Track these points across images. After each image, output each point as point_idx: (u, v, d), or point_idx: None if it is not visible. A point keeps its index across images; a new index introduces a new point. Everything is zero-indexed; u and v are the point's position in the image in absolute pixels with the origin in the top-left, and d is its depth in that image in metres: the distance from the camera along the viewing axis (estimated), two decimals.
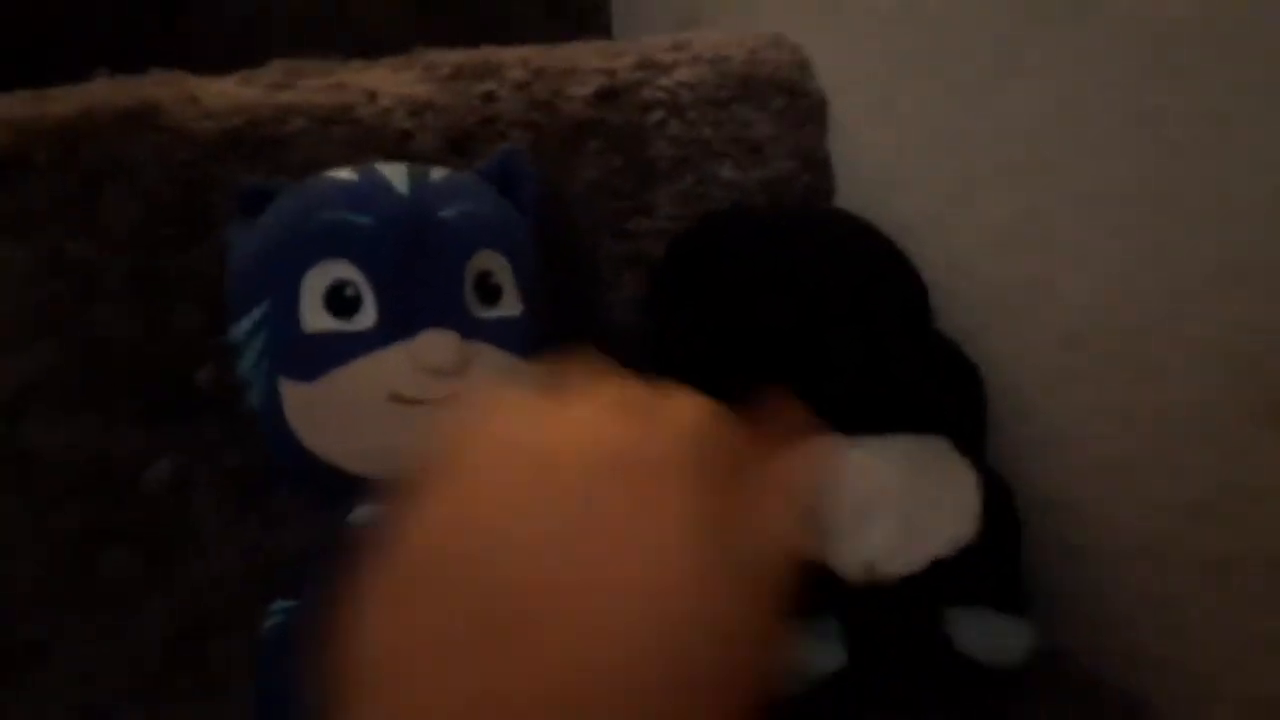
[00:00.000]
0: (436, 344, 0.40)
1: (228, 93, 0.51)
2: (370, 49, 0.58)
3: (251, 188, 0.45)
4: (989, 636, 0.42)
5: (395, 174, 0.44)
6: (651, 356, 0.55)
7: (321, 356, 0.41)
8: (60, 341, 0.48)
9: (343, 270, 0.41)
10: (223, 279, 0.50)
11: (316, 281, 0.41)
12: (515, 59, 0.56)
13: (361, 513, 0.41)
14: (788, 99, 0.60)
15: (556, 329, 0.48)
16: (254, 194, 0.45)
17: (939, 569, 0.42)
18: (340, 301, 0.41)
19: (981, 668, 0.42)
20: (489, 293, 0.44)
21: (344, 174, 0.45)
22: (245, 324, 0.43)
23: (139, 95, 0.49)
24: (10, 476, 0.49)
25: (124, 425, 0.50)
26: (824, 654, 0.41)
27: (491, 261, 0.44)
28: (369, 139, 0.52)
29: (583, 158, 0.56)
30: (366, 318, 0.41)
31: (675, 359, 0.53)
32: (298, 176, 0.51)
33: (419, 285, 0.41)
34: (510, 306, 0.44)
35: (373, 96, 0.53)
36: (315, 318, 0.41)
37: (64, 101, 0.48)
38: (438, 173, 0.46)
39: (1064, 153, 0.45)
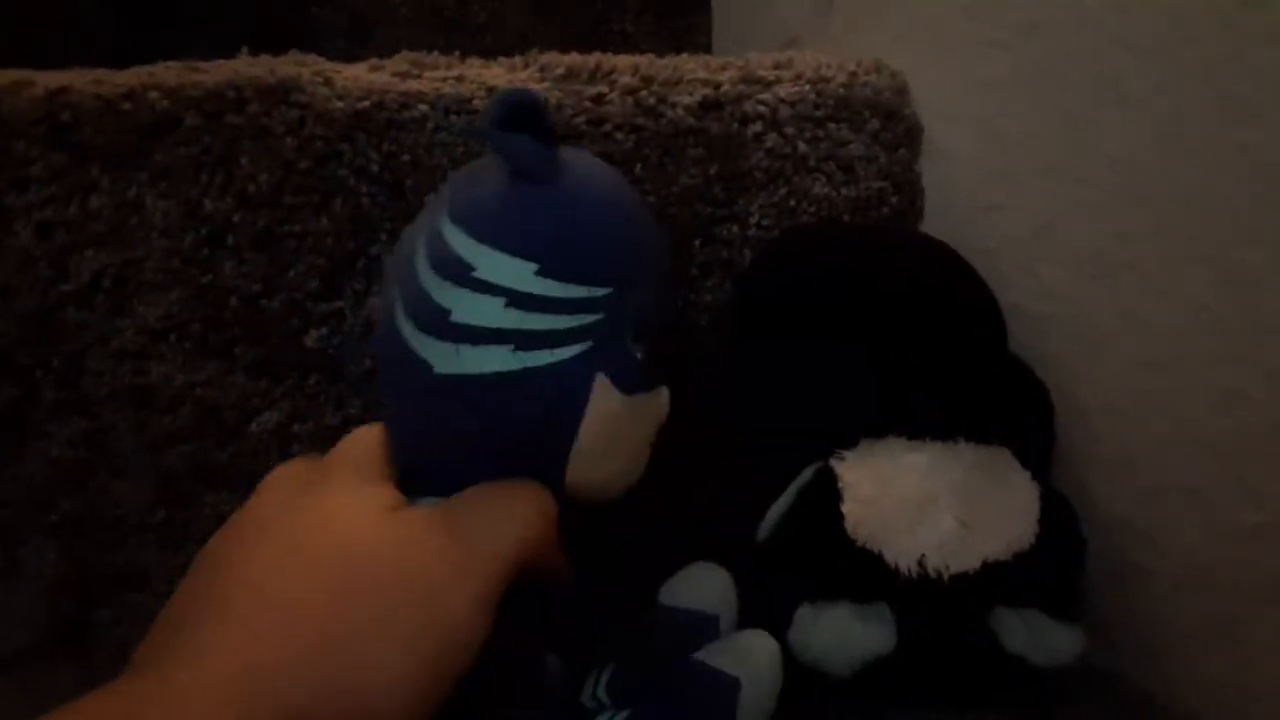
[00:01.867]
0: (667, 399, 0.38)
1: (359, 77, 0.55)
2: (484, 54, 0.61)
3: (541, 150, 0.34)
4: (1037, 637, 0.43)
5: None
6: (731, 360, 0.57)
7: (637, 374, 0.35)
8: (189, 290, 0.52)
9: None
10: (338, 247, 0.54)
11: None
12: (626, 65, 0.59)
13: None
14: (884, 121, 0.62)
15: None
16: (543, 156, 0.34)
17: (992, 570, 0.43)
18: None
19: (1029, 668, 0.43)
20: None
21: None
22: (558, 288, 0.33)
23: (280, 72, 0.53)
24: (132, 412, 0.53)
25: (238, 375, 0.54)
26: (874, 638, 0.43)
27: None
28: None
29: (682, 163, 0.59)
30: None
31: (756, 364, 0.55)
32: (417, 158, 0.54)
33: None
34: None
35: (491, 91, 0.57)
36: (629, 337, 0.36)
37: (213, 73, 0.53)
38: None
39: (1155, 182, 0.46)
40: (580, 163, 0.35)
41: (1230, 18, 0.42)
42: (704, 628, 0.45)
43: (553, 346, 0.32)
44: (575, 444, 0.34)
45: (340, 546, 0.29)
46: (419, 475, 0.34)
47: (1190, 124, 0.44)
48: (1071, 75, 0.51)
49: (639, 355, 0.35)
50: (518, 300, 0.32)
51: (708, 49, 0.95)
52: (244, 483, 0.56)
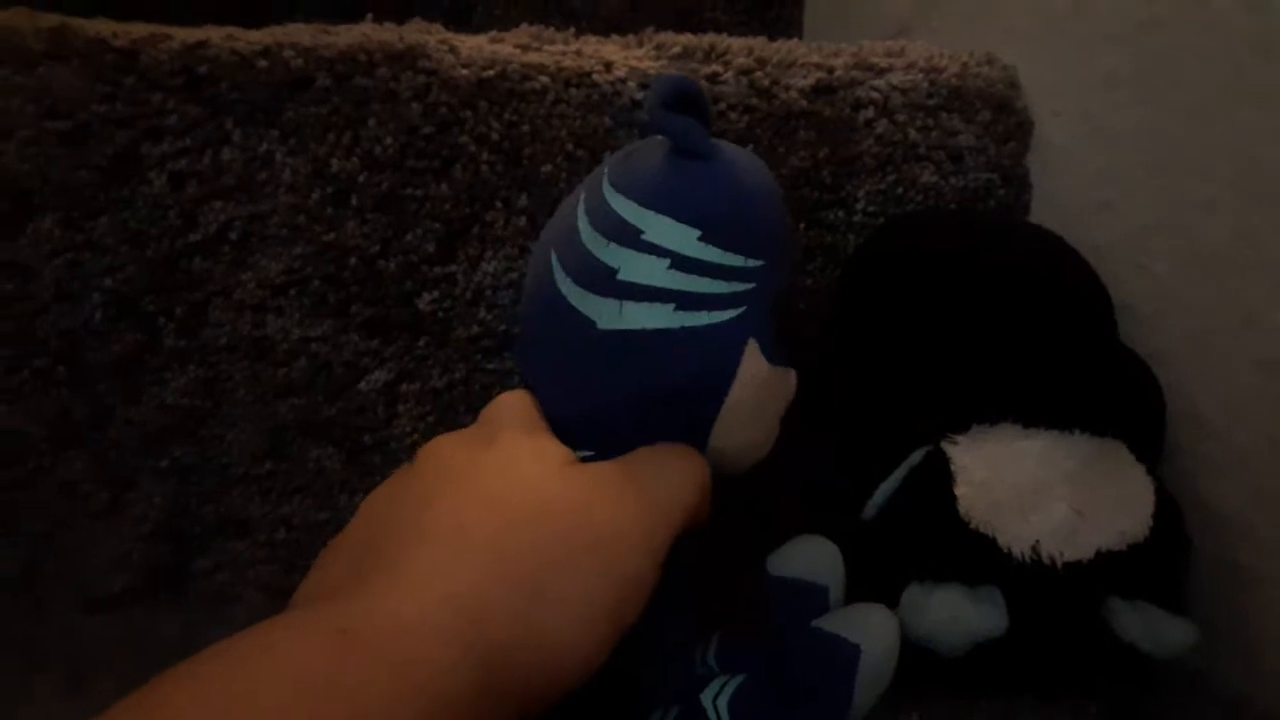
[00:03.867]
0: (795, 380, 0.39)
1: (482, 47, 0.56)
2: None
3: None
4: (1149, 627, 0.43)
5: None
6: (837, 345, 0.58)
7: (778, 346, 0.37)
8: (312, 247, 0.53)
9: None
10: (455, 213, 0.55)
11: None
12: (741, 46, 0.60)
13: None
14: (994, 113, 0.62)
15: None
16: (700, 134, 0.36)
17: (1105, 560, 0.43)
18: None
19: (1140, 658, 0.43)
20: None
21: None
22: (718, 254, 0.35)
23: (408, 38, 0.54)
24: (247, 363, 0.55)
25: (351, 333, 0.55)
26: (987, 619, 0.43)
27: None
28: (602, 104, 0.56)
29: (793, 145, 0.59)
30: None
31: (864, 349, 0.55)
32: (536, 129, 0.55)
33: None
34: None
35: (609, 66, 0.57)
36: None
37: (345, 35, 0.54)
38: None
39: (1276, 179, 0.46)
40: (729, 146, 0.38)
41: None
42: (814, 598, 0.46)
43: (710, 309, 0.34)
44: (724, 406, 0.35)
45: (527, 494, 0.30)
46: (570, 432, 0.35)
47: None
48: (1194, 72, 0.51)
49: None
50: (681, 263, 0.34)
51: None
52: (348, 439, 0.57)
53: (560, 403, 0.36)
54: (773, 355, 0.36)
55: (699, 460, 0.34)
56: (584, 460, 0.33)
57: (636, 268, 0.34)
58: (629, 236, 0.34)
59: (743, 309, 0.35)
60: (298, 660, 0.23)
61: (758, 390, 0.36)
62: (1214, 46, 0.50)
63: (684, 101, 0.35)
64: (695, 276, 0.34)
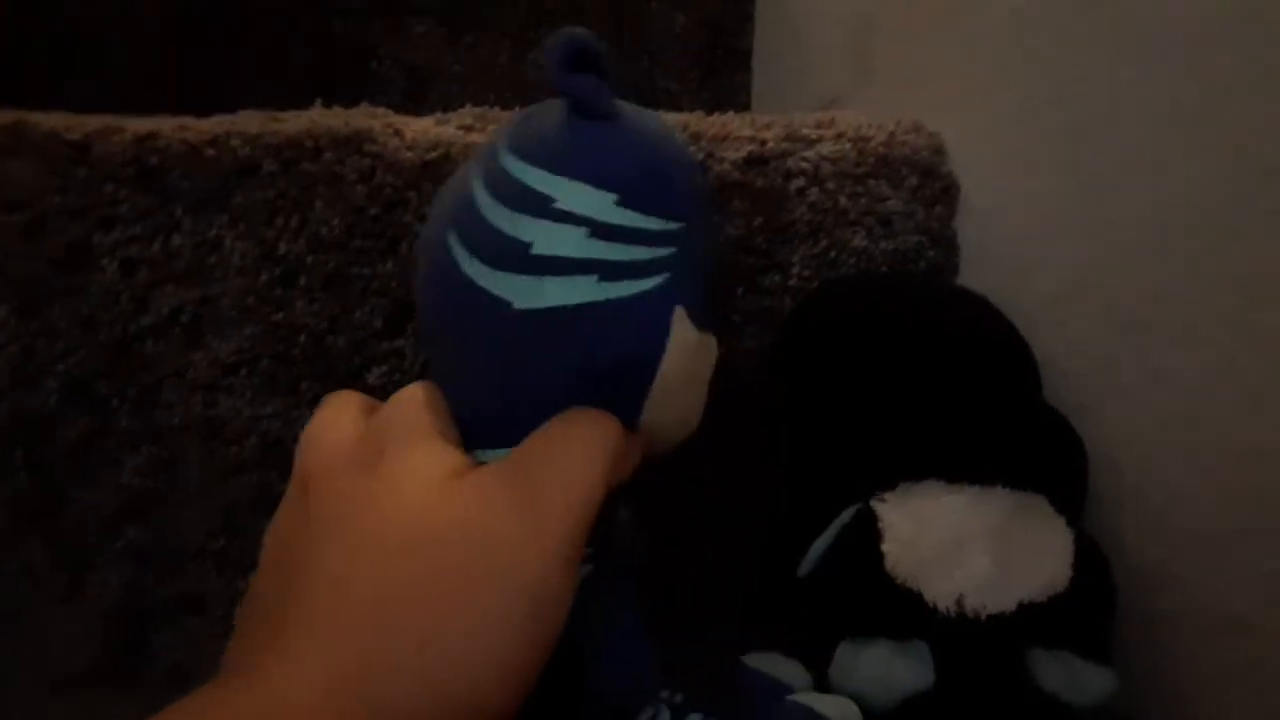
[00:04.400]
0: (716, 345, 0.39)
1: (427, 129, 0.58)
2: None
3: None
4: (1070, 676, 0.44)
5: None
6: (773, 405, 0.60)
7: (705, 310, 0.37)
8: (261, 327, 0.55)
9: None
10: (401, 289, 0.57)
11: None
12: (676, 122, 0.62)
13: None
14: (921, 179, 0.65)
15: None
16: None
17: (1027, 611, 0.45)
18: None
19: (1063, 707, 0.44)
20: None
21: None
22: (638, 219, 0.34)
23: (354, 123, 0.56)
24: (199, 442, 0.56)
25: (302, 409, 0.57)
26: (914, 674, 0.44)
27: None
28: None
29: (728, 215, 0.61)
30: None
31: (798, 409, 0.57)
32: None
33: None
34: None
35: None
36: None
37: (291, 122, 0.56)
38: None
39: (1183, 244, 0.48)
40: (630, 106, 0.36)
41: (1261, 87, 0.45)
42: (780, 692, 0.46)
43: (634, 277, 0.33)
44: (655, 377, 0.34)
45: (408, 523, 0.28)
46: (487, 428, 0.34)
47: (1218, 189, 0.47)
48: (1103, 141, 0.54)
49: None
50: (600, 231, 0.32)
51: (748, 109, 0.99)
52: None
53: (474, 396, 0.34)
54: (703, 319, 0.35)
55: (602, 422, 0.32)
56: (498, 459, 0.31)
57: (551, 239, 0.32)
58: (539, 206, 0.32)
59: (667, 275, 0.33)
60: None
61: (688, 358, 0.34)
62: (1120, 115, 0.53)
63: (585, 60, 0.33)
64: (616, 244, 0.32)
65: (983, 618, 0.45)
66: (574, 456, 0.30)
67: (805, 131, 0.64)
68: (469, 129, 0.59)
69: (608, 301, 0.32)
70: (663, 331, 0.33)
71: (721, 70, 1.00)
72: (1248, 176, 0.45)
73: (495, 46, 0.95)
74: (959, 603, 0.45)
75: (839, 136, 0.64)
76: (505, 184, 0.33)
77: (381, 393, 0.57)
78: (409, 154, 0.56)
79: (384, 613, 0.27)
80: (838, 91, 0.80)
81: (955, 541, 0.46)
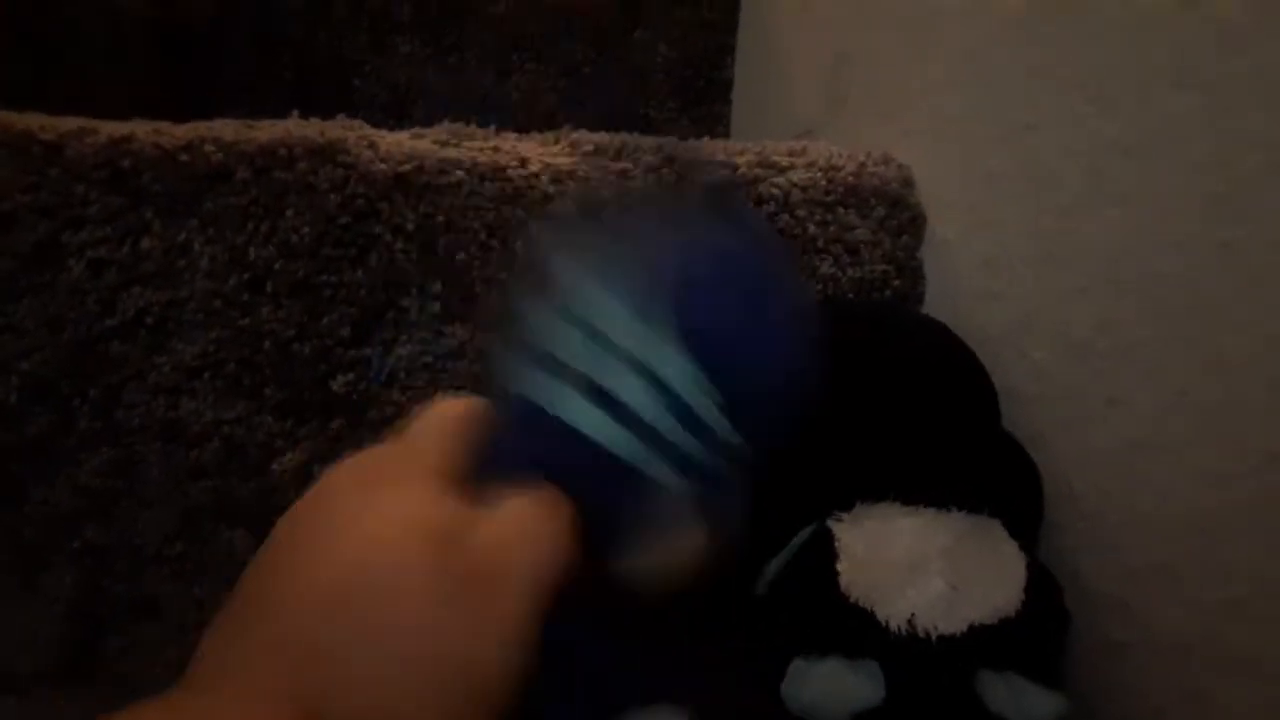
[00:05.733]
0: None
1: (402, 142, 0.59)
2: (516, 131, 0.65)
3: None
4: (1017, 699, 0.45)
5: None
6: None
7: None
8: (227, 332, 0.55)
9: None
10: (370, 299, 0.57)
11: None
12: (651, 145, 0.63)
13: None
14: (889, 209, 0.66)
15: None
16: None
17: (977, 633, 0.45)
18: None
19: None
20: None
21: None
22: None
23: (329, 134, 0.57)
24: (161, 445, 0.56)
25: (265, 415, 0.57)
26: (864, 690, 0.44)
27: None
28: (516, 197, 0.59)
29: None
30: None
31: None
32: (451, 220, 0.58)
33: None
34: None
35: (524, 162, 0.60)
36: None
37: (266, 131, 0.57)
38: None
39: (1141, 273, 0.49)
40: None
41: (1215, 123, 0.46)
42: None
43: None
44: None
45: (374, 578, 0.28)
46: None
47: (1175, 220, 0.48)
48: (1064, 173, 0.55)
49: None
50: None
51: (726, 137, 1.00)
52: (262, 521, 0.58)
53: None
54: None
55: (556, 505, 0.30)
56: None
57: None
58: None
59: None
60: None
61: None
62: (1080, 148, 0.54)
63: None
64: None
65: (933, 638, 0.45)
66: (526, 538, 0.30)
67: (777, 159, 0.65)
68: (444, 144, 0.60)
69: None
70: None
71: (702, 99, 1.01)
72: (1204, 208, 0.47)
73: (479, 67, 0.96)
74: (910, 622, 0.45)
75: (810, 165, 0.65)
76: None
77: (346, 401, 0.58)
78: (382, 166, 0.57)
79: (334, 659, 0.27)
80: (813, 122, 0.81)
81: (909, 563, 0.47)
